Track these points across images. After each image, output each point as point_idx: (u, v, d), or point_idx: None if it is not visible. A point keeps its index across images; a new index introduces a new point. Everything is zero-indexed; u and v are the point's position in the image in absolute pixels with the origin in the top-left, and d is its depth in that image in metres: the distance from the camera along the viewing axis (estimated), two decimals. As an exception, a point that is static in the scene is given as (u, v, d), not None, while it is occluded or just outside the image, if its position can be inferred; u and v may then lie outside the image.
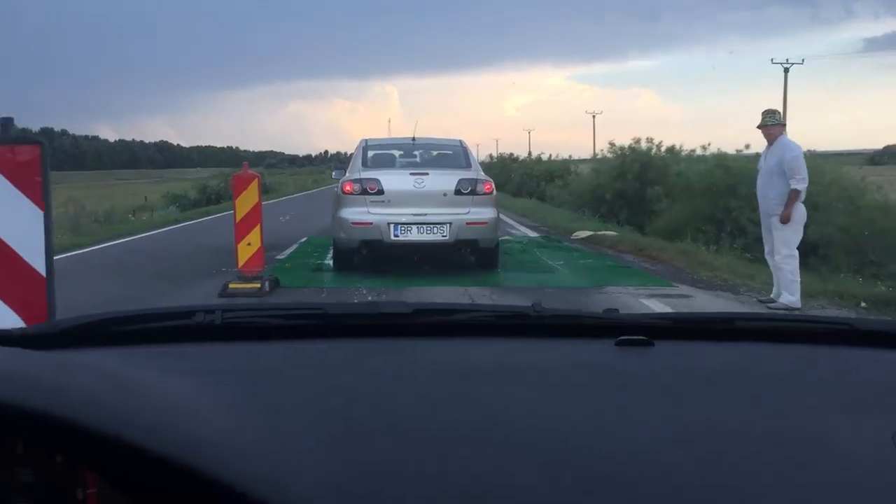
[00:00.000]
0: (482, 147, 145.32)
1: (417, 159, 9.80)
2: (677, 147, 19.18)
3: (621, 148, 19.02)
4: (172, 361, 1.10)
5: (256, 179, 7.85)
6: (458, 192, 8.57)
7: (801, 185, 6.79)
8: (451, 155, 9.56)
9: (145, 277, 9.17)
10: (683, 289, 8.18)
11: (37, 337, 1.18)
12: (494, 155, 47.11)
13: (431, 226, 8.43)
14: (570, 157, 40.05)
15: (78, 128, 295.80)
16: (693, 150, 18.36)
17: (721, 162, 13.88)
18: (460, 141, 9.91)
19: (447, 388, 1.05)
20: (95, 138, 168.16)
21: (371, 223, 8.41)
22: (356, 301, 6.57)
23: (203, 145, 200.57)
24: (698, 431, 0.92)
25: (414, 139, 9.84)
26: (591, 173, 21.72)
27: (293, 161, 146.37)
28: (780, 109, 7.35)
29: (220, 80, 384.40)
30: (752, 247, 10.38)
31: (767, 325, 1.46)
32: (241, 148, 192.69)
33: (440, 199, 8.50)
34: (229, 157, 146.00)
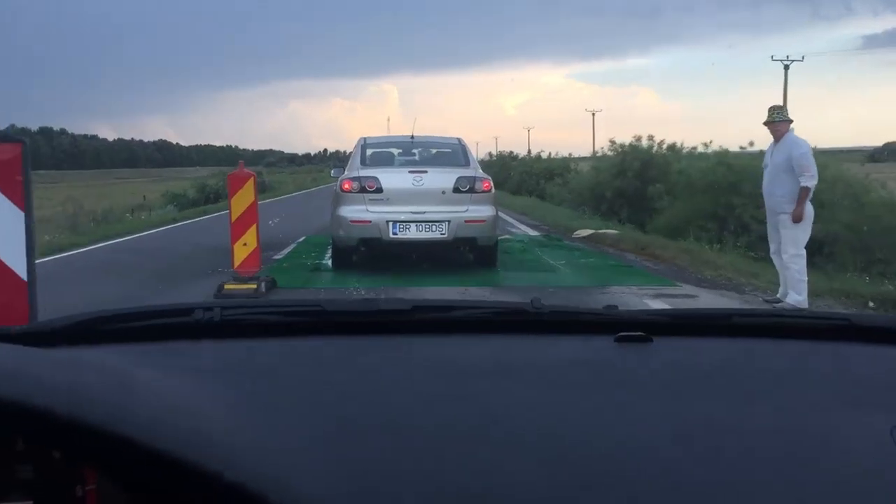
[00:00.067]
0: (482, 145, 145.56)
1: (416, 157, 9.78)
2: (678, 145, 19.05)
3: (622, 146, 18.89)
4: (171, 359, 1.10)
5: (252, 178, 7.70)
6: (456, 189, 8.55)
7: (811, 181, 6.65)
8: (450, 153, 9.54)
9: (142, 277, 9.10)
10: (687, 288, 8.05)
11: (36, 334, 1.17)
12: (494, 153, 46.89)
13: (430, 224, 8.41)
14: (569, 155, 39.90)
15: (77, 127, 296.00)
16: (694, 148, 18.23)
17: (723, 159, 13.74)
18: (459, 139, 9.88)
19: (445, 385, 1.04)
20: (94, 137, 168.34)
21: (370, 221, 8.40)
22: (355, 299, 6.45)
23: (202, 144, 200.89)
24: (697, 427, 0.92)
25: (412, 137, 9.84)
26: (592, 171, 21.57)
27: (292, 160, 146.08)
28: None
29: (219, 80, 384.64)
30: (756, 245, 10.27)
31: (766, 321, 1.45)
32: (241, 147, 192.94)
33: (439, 197, 8.48)
34: (228, 156, 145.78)
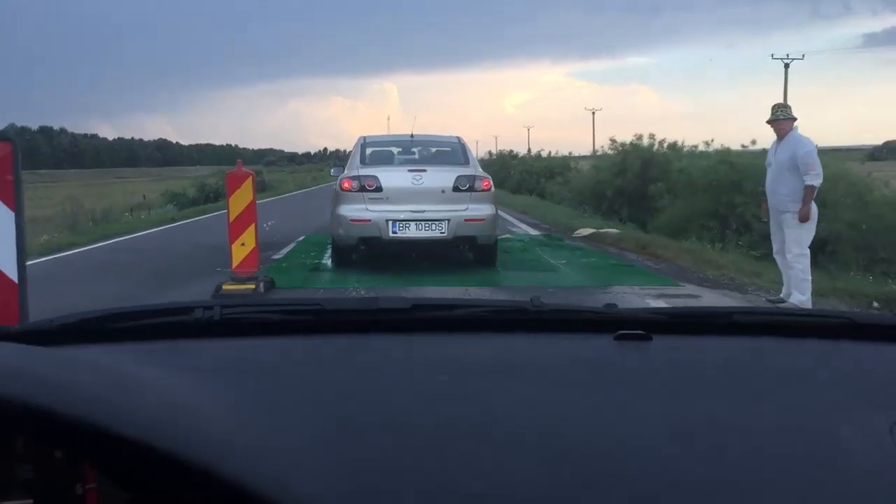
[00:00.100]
0: (481, 144, 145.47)
1: (416, 156, 9.77)
2: (679, 143, 18.97)
3: (622, 144, 18.81)
4: (171, 358, 1.09)
5: (250, 177, 7.62)
6: (456, 188, 8.53)
7: (817, 180, 6.57)
8: (450, 152, 9.54)
9: (139, 277, 9.05)
10: (690, 288, 7.98)
11: (36, 333, 1.17)
12: (494, 152, 46.85)
13: (430, 222, 8.39)
14: (570, 153, 39.81)
15: (77, 126, 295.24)
16: (695, 146, 18.16)
17: (725, 157, 13.66)
18: (458, 138, 9.86)
19: (445, 383, 1.04)
20: (94, 136, 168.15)
21: (369, 220, 8.38)
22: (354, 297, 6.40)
23: (202, 143, 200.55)
24: (697, 426, 0.92)
25: (412, 136, 9.83)
26: (592, 170, 21.51)
27: (292, 159, 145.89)
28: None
29: (219, 79, 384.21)
30: (758, 244, 10.21)
31: (766, 320, 1.45)
32: (241, 146, 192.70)
33: (438, 196, 8.46)
34: (229, 155, 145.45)
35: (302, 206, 22.57)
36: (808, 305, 6.63)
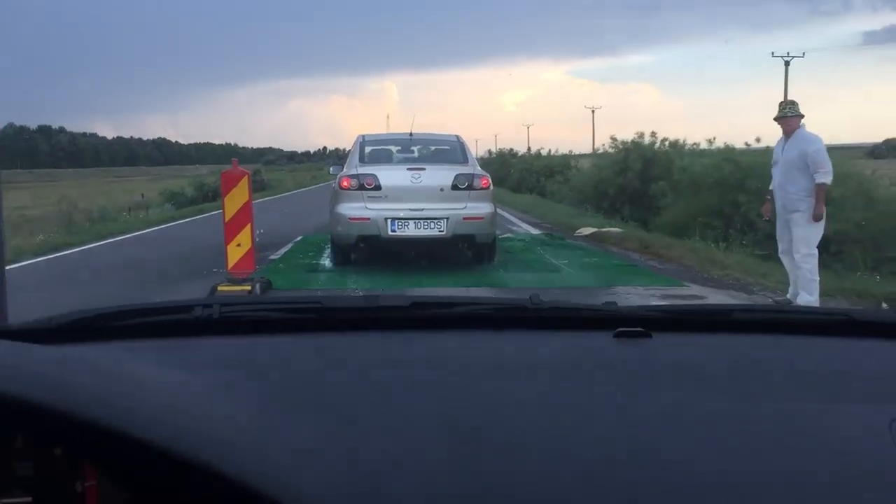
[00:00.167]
0: (481, 142, 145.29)
1: (415, 154, 9.77)
2: (681, 141, 18.81)
3: (623, 142, 18.65)
4: (171, 355, 1.09)
5: (246, 177, 7.47)
6: (454, 187, 8.52)
7: (827, 178, 6.45)
8: (448, 150, 9.54)
9: (135, 278, 8.94)
10: (695, 289, 7.84)
11: (36, 331, 1.16)
12: (493, 150, 46.72)
13: (428, 221, 8.39)
14: (570, 152, 39.57)
15: (76, 125, 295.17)
16: (696, 144, 18.01)
17: (729, 156, 13.51)
18: (457, 136, 9.87)
19: (446, 380, 1.04)
20: (94, 135, 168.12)
21: (368, 218, 8.38)
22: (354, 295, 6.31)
23: (202, 142, 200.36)
24: (697, 423, 0.91)
25: (411, 135, 9.81)
26: (593, 168, 21.36)
27: (292, 157, 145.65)
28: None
29: (218, 78, 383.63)
30: (763, 243, 10.05)
31: (765, 317, 1.45)
32: (240, 145, 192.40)
33: (437, 194, 8.45)
34: (228, 154, 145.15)
35: (301, 206, 22.47)
36: (817, 306, 6.49)
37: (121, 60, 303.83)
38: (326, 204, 9.31)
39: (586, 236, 12.65)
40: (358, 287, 7.78)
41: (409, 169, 8.71)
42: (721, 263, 9.26)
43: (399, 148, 9.88)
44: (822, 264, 6.94)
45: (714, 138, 16.72)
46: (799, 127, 6.64)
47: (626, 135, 18.92)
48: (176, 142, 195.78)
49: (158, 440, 0.63)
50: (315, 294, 7.45)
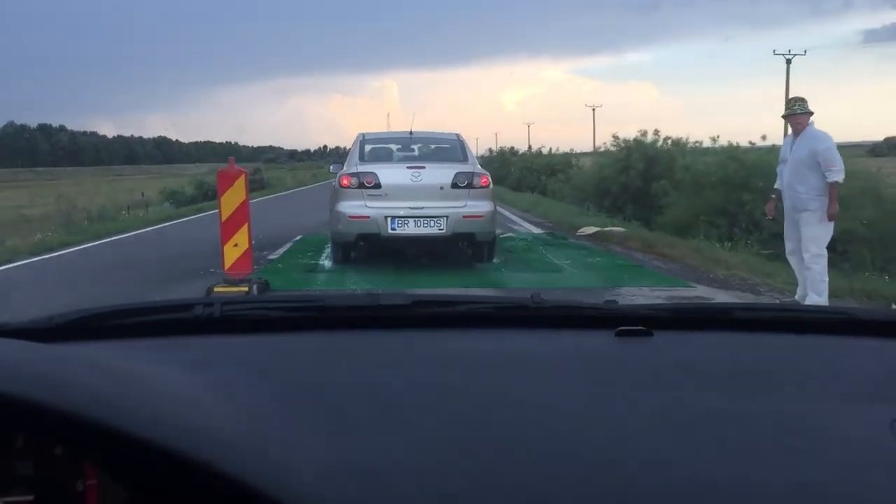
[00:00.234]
0: (481, 141, 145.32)
1: (415, 153, 9.73)
2: (683, 139, 18.66)
3: (625, 141, 18.49)
4: (172, 354, 1.09)
5: (243, 175, 7.32)
6: (454, 185, 8.48)
7: (839, 176, 6.29)
8: (448, 148, 9.50)
9: (132, 278, 8.82)
10: (701, 290, 7.69)
11: (36, 330, 1.15)
12: (494, 149, 46.55)
13: (428, 219, 8.35)
14: (571, 150, 39.37)
15: (76, 123, 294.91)
16: (699, 143, 17.86)
17: (734, 154, 13.35)
18: (457, 134, 9.83)
19: (446, 379, 1.03)
20: (94, 134, 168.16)
21: (368, 217, 8.34)
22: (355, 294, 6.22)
23: (202, 141, 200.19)
24: (698, 421, 0.91)
25: (411, 133, 9.76)
26: (594, 167, 21.22)
27: (292, 156, 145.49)
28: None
29: (218, 76, 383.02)
30: (769, 243, 9.92)
31: (767, 315, 1.45)
32: (241, 143, 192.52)
33: (437, 193, 8.41)
34: (228, 153, 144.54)
35: (300, 204, 22.36)
36: (826, 308, 6.36)
37: (121, 59, 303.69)
38: (326, 202, 9.25)
39: (589, 235, 12.50)
40: (357, 288, 7.66)
41: (409, 167, 8.65)
42: (726, 263, 9.12)
43: (399, 146, 9.84)
44: (830, 264, 6.80)
45: (718, 136, 16.56)
46: (808, 124, 6.48)
47: (627, 133, 18.81)
48: (176, 140, 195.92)
49: (159, 439, 0.62)
50: (315, 294, 7.36)
